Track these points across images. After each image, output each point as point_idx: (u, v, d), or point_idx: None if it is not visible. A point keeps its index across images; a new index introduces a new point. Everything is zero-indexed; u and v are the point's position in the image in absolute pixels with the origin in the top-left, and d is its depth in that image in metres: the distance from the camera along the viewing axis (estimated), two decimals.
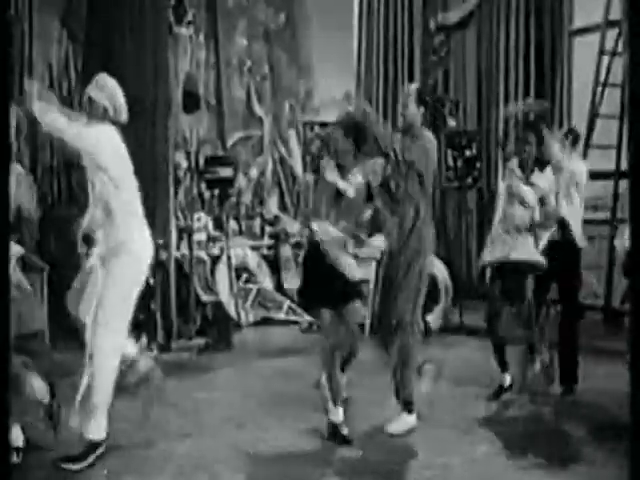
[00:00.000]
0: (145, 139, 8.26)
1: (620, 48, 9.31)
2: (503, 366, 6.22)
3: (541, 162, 6.07)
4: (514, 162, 6.14)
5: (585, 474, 4.63)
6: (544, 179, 6.03)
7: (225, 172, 9.21)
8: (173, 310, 8.11)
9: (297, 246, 9.96)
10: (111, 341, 4.68)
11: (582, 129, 9.73)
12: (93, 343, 4.69)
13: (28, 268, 5.79)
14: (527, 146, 6.05)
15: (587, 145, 9.59)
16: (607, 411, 5.70)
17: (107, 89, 4.89)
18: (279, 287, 9.74)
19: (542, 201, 6.00)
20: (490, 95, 11.31)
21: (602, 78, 9.58)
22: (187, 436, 5.23)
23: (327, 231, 5.08)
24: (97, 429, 4.68)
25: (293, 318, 9.29)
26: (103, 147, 4.73)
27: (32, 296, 5.40)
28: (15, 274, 4.93)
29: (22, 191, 5.98)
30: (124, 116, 4.94)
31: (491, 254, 6.16)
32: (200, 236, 9.28)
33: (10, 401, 3.13)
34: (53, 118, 4.63)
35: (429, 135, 5.39)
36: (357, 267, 5.16)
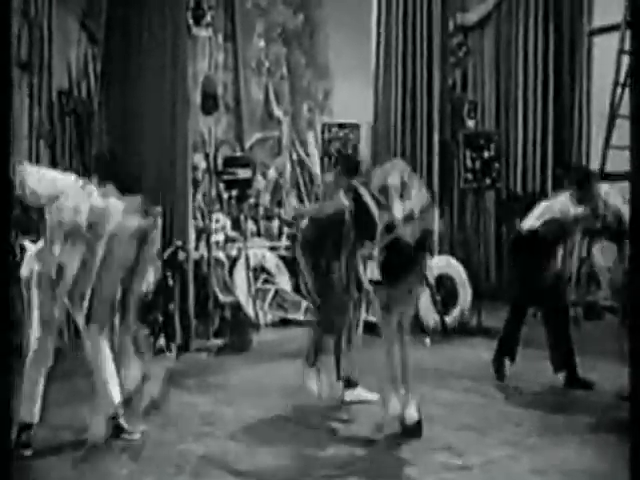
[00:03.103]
0: (164, 140, 8.30)
1: None
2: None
3: None
4: None
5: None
6: None
7: (243, 173, 9.22)
8: (191, 311, 8.13)
9: None
10: None
11: (602, 130, 9.71)
12: None
13: None
14: None
15: (607, 146, 9.54)
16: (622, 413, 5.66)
17: None
18: (297, 288, 9.73)
19: None
20: (509, 95, 11.27)
21: (622, 78, 9.52)
22: (206, 436, 5.24)
23: None
24: None
25: (311, 319, 9.28)
26: None
27: None
28: None
29: None
30: None
31: None
32: (218, 237, 9.30)
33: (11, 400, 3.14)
34: None
35: None
36: None
